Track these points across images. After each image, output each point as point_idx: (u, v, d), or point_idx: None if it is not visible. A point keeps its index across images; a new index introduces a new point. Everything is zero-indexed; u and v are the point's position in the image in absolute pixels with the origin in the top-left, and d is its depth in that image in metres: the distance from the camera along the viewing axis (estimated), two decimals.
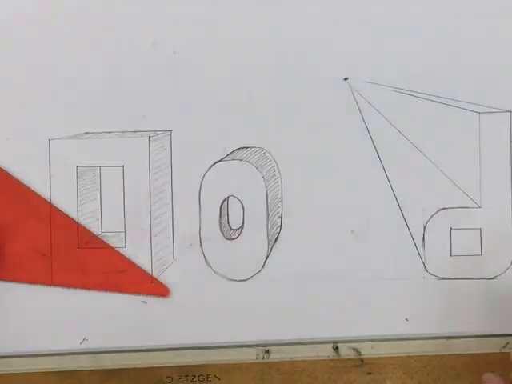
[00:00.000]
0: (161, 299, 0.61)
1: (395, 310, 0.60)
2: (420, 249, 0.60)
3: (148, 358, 0.62)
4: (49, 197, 0.61)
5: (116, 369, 0.61)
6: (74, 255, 0.61)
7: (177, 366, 0.60)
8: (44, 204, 0.61)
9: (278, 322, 0.61)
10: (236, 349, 0.61)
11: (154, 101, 0.61)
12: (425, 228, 0.60)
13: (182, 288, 0.61)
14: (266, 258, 0.61)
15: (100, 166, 0.61)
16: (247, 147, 0.61)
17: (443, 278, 0.60)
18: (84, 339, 0.61)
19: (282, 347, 0.61)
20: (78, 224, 0.61)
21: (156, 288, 0.61)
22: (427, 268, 0.60)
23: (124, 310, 0.61)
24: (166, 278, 0.61)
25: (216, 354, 0.61)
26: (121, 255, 0.61)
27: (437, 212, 0.60)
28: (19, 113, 0.61)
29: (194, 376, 0.61)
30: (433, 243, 0.60)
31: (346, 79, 0.61)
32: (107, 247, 0.61)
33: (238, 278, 0.61)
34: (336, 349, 0.61)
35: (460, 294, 0.59)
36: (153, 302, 0.61)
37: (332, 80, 0.61)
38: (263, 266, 0.61)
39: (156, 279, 0.61)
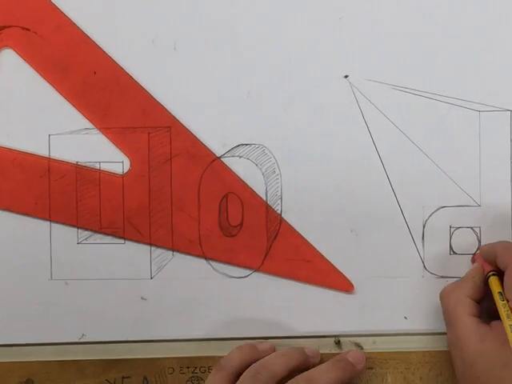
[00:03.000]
0: (160, 297, 0.61)
1: (394, 308, 0.60)
2: (419, 247, 0.60)
3: (149, 349, 0.61)
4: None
5: (117, 359, 0.61)
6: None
7: (178, 358, 0.61)
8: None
9: (278, 318, 0.61)
10: (237, 341, 0.61)
11: (153, 97, 0.61)
12: (424, 226, 0.60)
13: (180, 285, 0.61)
14: (266, 255, 0.61)
15: (100, 162, 0.61)
16: (247, 144, 0.61)
17: (442, 277, 0.60)
18: (83, 335, 0.61)
19: (284, 341, 0.61)
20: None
21: (340, 282, 0.61)
22: (426, 266, 0.60)
23: (123, 306, 0.61)
24: (164, 275, 0.61)
25: (217, 346, 0.61)
26: (307, 244, 0.61)
27: (436, 210, 0.60)
28: (19, 108, 0.61)
29: (196, 367, 0.61)
30: (432, 241, 0.60)
31: (346, 77, 0.61)
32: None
33: (237, 275, 0.61)
34: (338, 343, 0.61)
35: None
36: (152, 298, 0.61)
37: (332, 78, 0.61)
38: (263, 263, 0.61)
39: (340, 273, 0.61)
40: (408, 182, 0.60)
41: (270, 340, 0.60)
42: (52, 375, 0.61)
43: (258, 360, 0.58)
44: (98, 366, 0.61)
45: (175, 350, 0.61)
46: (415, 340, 0.61)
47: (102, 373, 0.61)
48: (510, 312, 0.53)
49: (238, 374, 0.57)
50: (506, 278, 0.54)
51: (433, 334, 0.61)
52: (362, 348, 0.61)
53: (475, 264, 0.58)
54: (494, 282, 0.56)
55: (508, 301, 0.53)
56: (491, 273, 0.56)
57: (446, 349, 0.60)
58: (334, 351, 0.61)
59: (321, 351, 0.61)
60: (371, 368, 0.61)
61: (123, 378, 0.61)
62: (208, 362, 0.61)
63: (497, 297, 0.54)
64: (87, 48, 0.61)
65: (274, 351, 0.60)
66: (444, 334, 0.60)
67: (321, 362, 0.60)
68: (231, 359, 0.58)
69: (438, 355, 0.61)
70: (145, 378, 0.61)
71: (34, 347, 0.62)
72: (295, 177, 0.61)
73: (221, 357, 0.59)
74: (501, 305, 0.54)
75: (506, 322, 0.52)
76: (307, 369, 0.58)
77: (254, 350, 0.59)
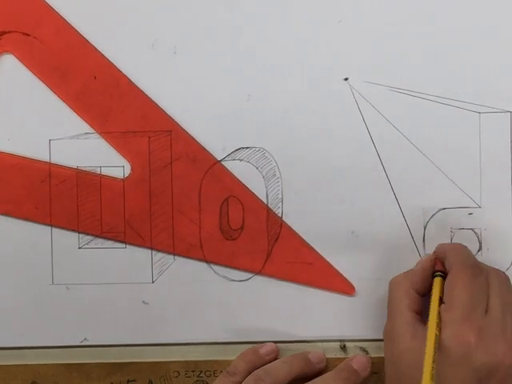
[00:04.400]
0: (162, 300, 0.61)
1: None
2: (420, 249, 0.60)
3: (155, 352, 0.61)
4: None
5: (123, 362, 0.61)
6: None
7: (183, 361, 0.61)
8: None
9: (280, 321, 0.61)
10: (242, 345, 0.61)
11: (153, 101, 0.61)
12: (425, 228, 0.60)
13: (182, 289, 0.61)
14: (267, 258, 0.61)
15: (100, 167, 0.61)
16: (247, 147, 0.61)
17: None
18: (84, 339, 0.61)
19: (289, 345, 0.61)
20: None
21: (342, 284, 0.61)
22: None
23: (125, 311, 0.61)
24: (166, 279, 0.61)
25: (223, 350, 0.61)
26: (308, 247, 0.61)
27: (437, 212, 0.60)
28: (19, 113, 0.61)
29: (201, 371, 0.61)
30: (433, 243, 0.60)
31: (346, 79, 0.61)
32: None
33: (238, 279, 0.61)
34: (343, 347, 0.61)
35: None
36: (154, 302, 0.61)
37: (332, 80, 0.61)
38: (264, 266, 0.61)
39: (341, 275, 0.61)
40: (408, 184, 0.60)
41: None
42: (57, 378, 0.61)
43: (261, 364, 0.58)
44: (103, 369, 0.61)
45: (180, 353, 0.61)
46: None
47: (106, 376, 0.61)
48: (439, 321, 0.52)
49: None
50: (447, 280, 0.55)
51: None
52: (367, 353, 0.61)
53: (429, 255, 0.58)
54: (436, 284, 0.55)
55: (444, 303, 0.53)
56: (438, 273, 0.56)
57: None
58: (339, 356, 0.61)
59: (326, 355, 0.61)
60: (376, 373, 0.60)
61: (128, 381, 0.61)
62: (213, 366, 0.61)
63: (434, 300, 0.53)
64: (87, 52, 0.61)
65: (276, 353, 0.60)
66: None
67: (326, 367, 0.60)
68: (236, 367, 0.58)
69: None
70: (150, 382, 0.61)
71: (40, 350, 0.62)
72: (296, 180, 0.61)
73: (226, 361, 0.60)
74: (434, 310, 0.53)
75: (432, 331, 0.51)
76: (312, 375, 0.59)
77: (257, 355, 0.59)
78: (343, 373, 0.58)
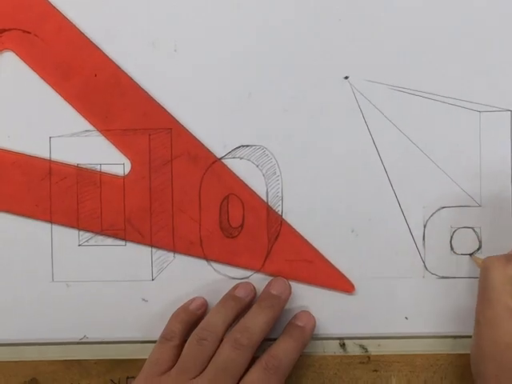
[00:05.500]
0: (161, 298, 0.61)
1: (395, 308, 0.60)
2: (420, 247, 0.60)
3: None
4: None
5: (122, 359, 0.62)
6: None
7: None
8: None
9: (281, 319, 0.60)
10: None
11: (154, 99, 0.61)
12: (425, 227, 0.60)
13: (181, 286, 0.61)
14: (267, 256, 0.61)
15: (100, 164, 0.62)
16: (247, 145, 0.61)
17: (443, 277, 0.60)
18: (84, 336, 0.62)
19: None
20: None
21: (341, 282, 0.61)
22: (427, 267, 0.60)
23: (125, 308, 0.62)
24: (165, 276, 0.61)
25: None
26: (308, 245, 0.61)
27: (437, 210, 0.60)
28: (20, 111, 0.62)
29: None
30: (433, 242, 0.60)
31: (346, 78, 0.61)
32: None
33: (238, 276, 0.61)
34: (343, 345, 0.61)
35: (460, 292, 0.59)
36: (153, 300, 0.61)
37: (332, 79, 0.61)
38: (263, 264, 0.61)
39: (341, 273, 0.61)
40: (408, 183, 0.60)
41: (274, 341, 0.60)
42: (57, 375, 0.62)
43: (195, 321, 0.59)
44: (102, 365, 0.62)
45: None
46: (420, 343, 0.61)
47: (106, 373, 0.62)
48: None
49: (183, 342, 0.58)
50: None
51: (437, 337, 0.61)
52: (366, 350, 0.61)
53: None
54: None
55: None
56: None
57: (450, 352, 0.60)
58: (338, 354, 0.61)
59: (325, 353, 0.61)
60: (376, 370, 0.61)
61: (128, 378, 0.61)
62: None
63: None
64: (88, 50, 0.61)
65: (206, 306, 0.60)
66: (451, 337, 0.60)
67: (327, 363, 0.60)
68: (173, 330, 0.58)
69: (442, 358, 0.60)
70: None
71: (40, 347, 0.62)
72: (296, 178, 0.61)
73: None
74: None
75: None
76: (246, 309, 0.59)
77: (188, 312, 0.59)
78: (266, 302, 0.58)
